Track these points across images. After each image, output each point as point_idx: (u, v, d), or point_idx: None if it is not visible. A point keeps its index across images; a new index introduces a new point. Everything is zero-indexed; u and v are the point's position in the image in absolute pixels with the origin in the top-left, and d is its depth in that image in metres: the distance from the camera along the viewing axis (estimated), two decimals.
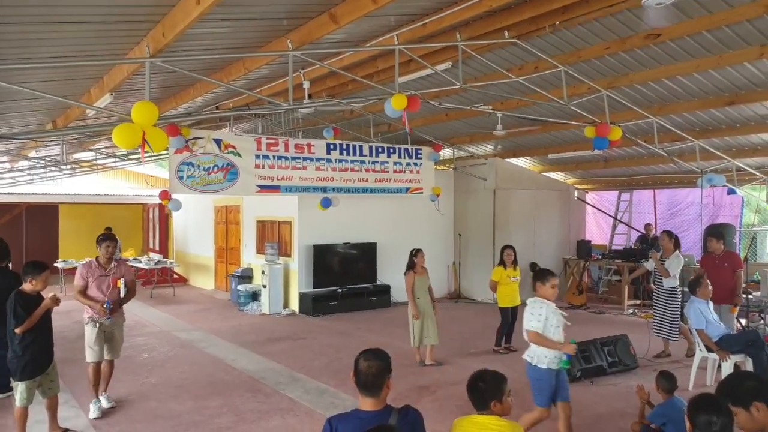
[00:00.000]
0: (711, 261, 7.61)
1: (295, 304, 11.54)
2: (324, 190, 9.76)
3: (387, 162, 10.37)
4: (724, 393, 2.88)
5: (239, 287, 12.13)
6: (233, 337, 9.29)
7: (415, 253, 7.69)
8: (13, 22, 4.67)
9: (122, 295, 5.73)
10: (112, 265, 5.72)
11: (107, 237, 5.73)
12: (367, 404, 2.73)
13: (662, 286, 7.75)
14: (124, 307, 5.99)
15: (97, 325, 5.67)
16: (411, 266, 7.63)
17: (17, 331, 4.64)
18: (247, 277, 12.57)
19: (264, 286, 11.49)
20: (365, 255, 12.03)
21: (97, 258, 5.68)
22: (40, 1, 4.32)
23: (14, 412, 4.84)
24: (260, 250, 12.60)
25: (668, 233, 7.92)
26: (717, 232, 8.13)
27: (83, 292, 5.58)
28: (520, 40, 6.19)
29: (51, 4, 4.44)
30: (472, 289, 13.10)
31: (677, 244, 7.84)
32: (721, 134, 9.07)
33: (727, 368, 5.98)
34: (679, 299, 7.68)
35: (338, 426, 2.69)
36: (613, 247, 13.42)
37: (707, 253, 7.85)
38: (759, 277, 7.60)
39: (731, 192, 9.82)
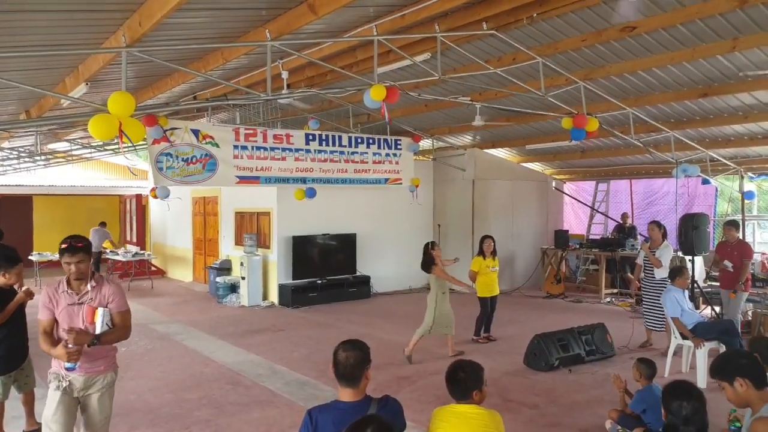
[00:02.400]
0: (724, 248, 7.87)
1: (274, 296, 11.51)
2: (303, 180, 9.71)
3: (366, 153, 10.35)
4: (715, 368, 2.98)
5: (218, 279, 12.06)
6: (212, 330, 9.24)
7: (432, 246, 7.74)
8: None
9: (98, 331, 3.47)
10: (88, 287, 3.55)
11: (72, 248, 3.44)
12: (346, 395, 2.76)
13: (653, 276, 7.68)
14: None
15: (62, 385, 3.52)
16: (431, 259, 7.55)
17: None
18: (225, 269, 12.49)
19: (243, 278, 11.44)
20: (345, 246, 12.03)
21: (67, 277, 3.55)
22: None
23: None
24: (239, 241, 12.52)
25: (657, 223, 7.89)
26: (735, 222, 8.29)
27: (49, 332, 3.51)
28: (498, 32, 6.22)
29: None
30: None
31: (665, 234, 7.87)
32: (696, 125, 9.23)
33: (702, 355, 6.13)
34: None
35: (318, 417, 2.71)
36: (591, 237, 13.62)
37: (723, 241, 8.01)
38: (729, 264, 7.74)
39: (705, 182, 10.02)
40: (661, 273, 7.55)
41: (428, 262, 7.56)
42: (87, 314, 3.53)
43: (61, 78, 7.23)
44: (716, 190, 11.78)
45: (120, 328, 3.61)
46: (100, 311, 3.52)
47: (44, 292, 3.60)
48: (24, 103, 8.79)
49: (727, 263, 7.67)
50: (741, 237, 8.37)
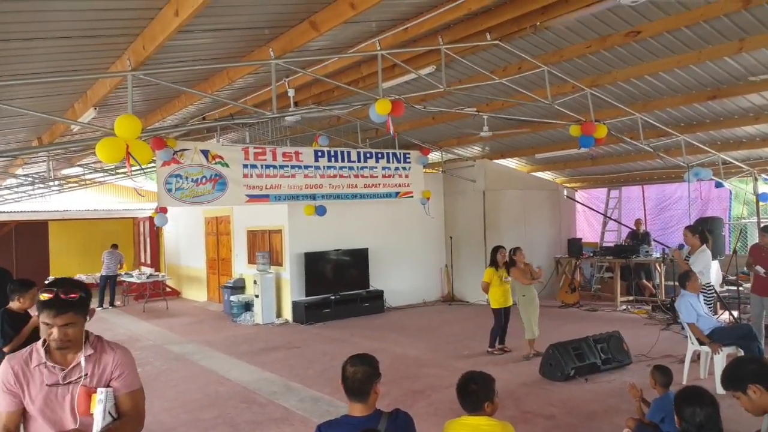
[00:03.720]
0: (758, 253, 7.44)
1: (288, 313, 11.50)
2: (313, 197, 9.74)
3: (375, 167, 10.37)
4: (725, 379, 2.90)
5: (232, 298, 12.08)
6: (227, 349, 9.24)
7: (514, 252, 8.07)
8: None
9: (101, 427, 2.32)
10: (80, 358, 2.39)
11: (58, 303, 2.29)
12: (355, 410, 2.74)
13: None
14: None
15: None
16: (513, 263, 8.02)
17: (5, 349, 4.60)
18: (239, 287, 12.52)
19: (256, 296, 11.45)
20: (357, 261, 12.01)
21: (44, 340, 2.37)
22: (18, 17, 4.30)
23: None
24: (251, 260, 12.55)
25: (691, 228, 7.54)
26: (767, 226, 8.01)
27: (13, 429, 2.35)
28: (502, 42, 6.23)
29: (30, 20, 4.42)
30: (465, 291, 13.10)
31: (704, 239, 7.45)
32: (706, 128, 9.14)
33: (720, 361, 6.00)
34: (712, 297, 7.18)
35: None
36: (605, 244, 13.48)
37: (757, 245, 7.64)
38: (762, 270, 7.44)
39: (719, 185, 9.88)
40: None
41: (510, 265, 8.03)
42: (80, 401, 2.33)
43: (70, 104, 7.35)
44: (730, 193, 11.63)
45: (131, 418, 2.44)
46: (99, 394, 2.34)
47: (4, 367, 2.34)
48: (35, 129, 8.94)
49: (760, 269, 7.39)
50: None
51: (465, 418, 3.03)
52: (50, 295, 2.29)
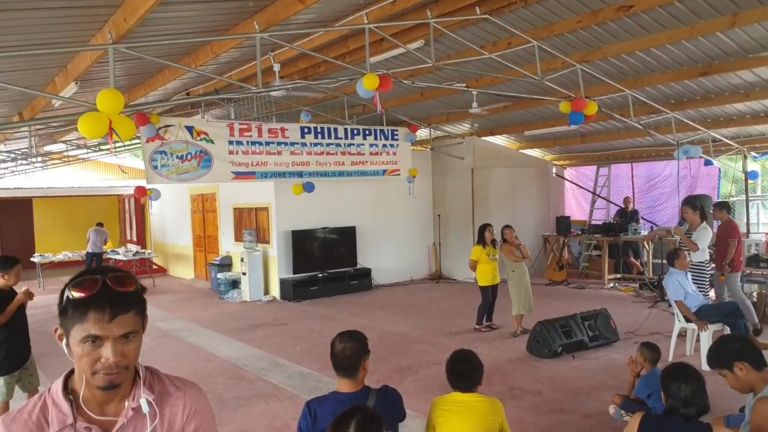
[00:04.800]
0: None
1: (275, 291, 11.47)
2: (300, 174, 9.64)
3: (363, 144, 10.26)
4: (711, 358, 2.92)
5: (219, 275, 12.02)
6: (214, 326, 9.21)
7: (504, 230, 8.10)
8: None
9: None
10: (132, 404, 1.46)
11: (110, 297, 1.36)
12: (344, 386, 2.73)
13: (690, 261, 6.97)
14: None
15: None
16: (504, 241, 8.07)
17: None
18: (226, 265, 12.46)
19: (244, 274, 11.40)
20: (344, 239, 11.97)
21: (65, 382, 1.43)
22: None
23: None
24: (238, 237, 12.47)
25: (691, 204, 7.45)
26: (724, 203, 8.01)
27: None
28: (491, 16, 6.11)
29: None
30: (452, 269, 13.14)
31: (704, 215, 7.37)
32: (696, 105, 9.11)
33: (706, 338, 6.06)
34: (708, 274, 7.18)
35: (316, 408, 2.70)
36: (593, 222, 13.54)
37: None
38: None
39: (708, 163, 9.90)
40: (698, 256, 7.06)
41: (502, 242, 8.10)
42: None
43: (51, 78, 7.16)
44: (719, 171, 11.68)
45: None
46: None
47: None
48: (16, 105, 8.72)
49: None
50: (732, 218, 7.96)
51: (454, 394, 3.04)
52: (94, 288, 1.35)
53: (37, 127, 9.79)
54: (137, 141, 8.47)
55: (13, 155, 12.53)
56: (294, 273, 11.33)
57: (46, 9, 4.81)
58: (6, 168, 14.33)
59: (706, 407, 2.64)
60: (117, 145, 9.28)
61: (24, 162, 13.41)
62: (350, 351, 2.71)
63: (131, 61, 6.59)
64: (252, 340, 8.15)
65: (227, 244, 13.07)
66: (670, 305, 7.45)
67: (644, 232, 11.46)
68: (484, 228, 8.20)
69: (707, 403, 2.65)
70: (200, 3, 5.29)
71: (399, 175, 10.80)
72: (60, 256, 14.71)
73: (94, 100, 4.72)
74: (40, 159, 13.33)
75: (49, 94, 6.90)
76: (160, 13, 5.00)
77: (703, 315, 6.23)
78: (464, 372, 3.04)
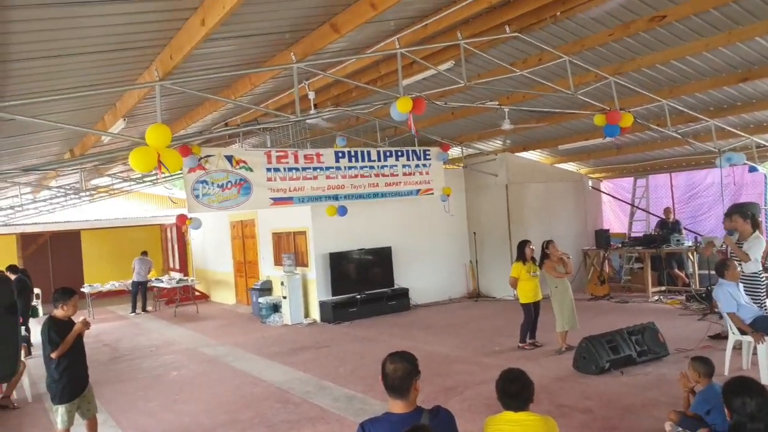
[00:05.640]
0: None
1: (315, 313, 11.58)
2: (336, 198, 9.80)
3: (396, 165, 10.39)
4: None
5: (260, 300, 12.21)
6: (258, 350, 9.35)
7: (547, 245, 8.03)
8: (30, 58, 4.77)
9: None
10: None
11: None
12: (396, 407, 2.75)
13: (741, 271, 6.76)
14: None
15: None
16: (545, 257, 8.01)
17: (53, 355, 4.73)
18: (266, 289, 12.65)
19: (284, 297, 11.56)
20: (381, 259, 12.04)
21: None
22: (52, 35, 4.41)
23: None
24: (278, 261, 12.67)
25: (741, 213, 7.23)
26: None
27: None
28: (521, 34, 6.17)
29: (63, 37, 4.52)
30: (490, 286, 13.03)
31: (756, 225, 7.14)
32: (737, 111, 8.92)
33: (763, 350, 5.85)
34: (764, 285, 6.88)
35: (371, 429, 2.73)
36: (633, 235, 13.27)
37: None
38: None
39: (753, 169, 9.63)
40: (750, 267, 6.83)
41: (542, 258, 8.02)
42: None
43: (101, 116, 7.49)
44: (765, 177, 11.34)
45: None
46: None
47: None
48: (68, 142, 9.14)
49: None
50: None
51: (506, 413, 3.03)
52: None
53: (88, 163, 10.21)
54: (180, 172, 8.76)
55: (63, 191, 13.05)
56: (333, 295, 11.43)
57: (97, 53, 5.07)
58: (57, 203, 14.92)
59: None
60: (162, 176, 9.63)
61: (74, 196, 13.95)
62: (402, 372, 2.73)
63: (175, 95, 6.86)
64: (296, 363, 8.24)
65: (267, 269, 13.28)
66: (720, 317, 7.23)
67: (688, 243, 11.19)
68: (523, 244, 8.16)
69: None
70: (240, 38, 5.50)
71: (432, 194, 10.86)
72: (108, 286, 15.17)
73: (139, 135, 4.94)
74: (88, 193, 13.83)
75: (99, 131, 7.22)
76: (203, 49, 5.21)
77: (759, 327, 6.00)
78: (515, 392, 3.03)
